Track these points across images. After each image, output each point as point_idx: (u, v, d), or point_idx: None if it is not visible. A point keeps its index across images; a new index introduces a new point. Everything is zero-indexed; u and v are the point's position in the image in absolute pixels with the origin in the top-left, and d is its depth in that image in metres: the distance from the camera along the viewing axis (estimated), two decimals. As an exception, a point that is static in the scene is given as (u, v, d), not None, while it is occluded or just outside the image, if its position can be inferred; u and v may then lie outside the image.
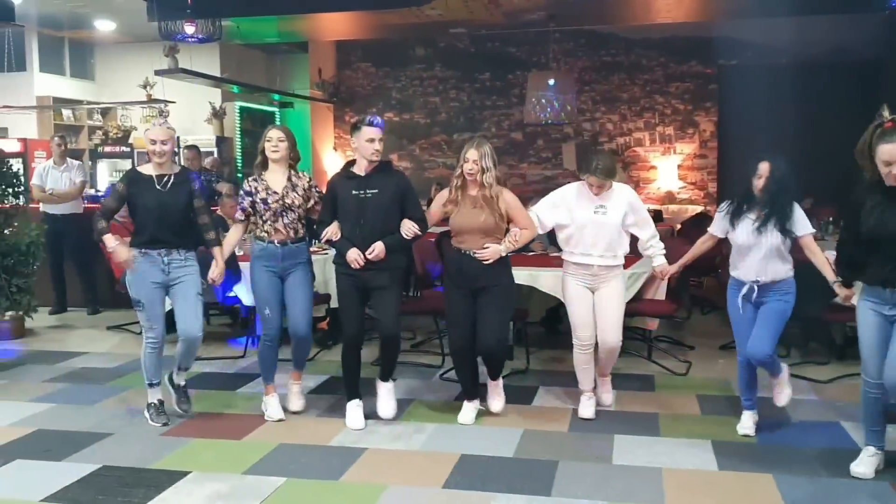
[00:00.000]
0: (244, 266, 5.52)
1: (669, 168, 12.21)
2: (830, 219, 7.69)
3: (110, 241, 4.45)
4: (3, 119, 10.80)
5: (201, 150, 11.16)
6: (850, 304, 3.90)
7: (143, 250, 4.47)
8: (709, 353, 6.20)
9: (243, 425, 4.61)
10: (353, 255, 4.38)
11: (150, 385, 4.67)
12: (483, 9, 9.51)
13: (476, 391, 4.71)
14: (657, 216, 9.46)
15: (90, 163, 11.92)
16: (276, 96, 12.57)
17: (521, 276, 5.43)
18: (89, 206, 8.56)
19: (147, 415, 4.67)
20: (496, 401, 4.74)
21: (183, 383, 4.79)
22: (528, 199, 5.22)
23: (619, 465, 4.01)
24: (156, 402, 4.68)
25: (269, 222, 4.54)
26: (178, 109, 11.56)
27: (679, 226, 9.26)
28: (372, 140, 4.37)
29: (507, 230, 4.50)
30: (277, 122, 13.08)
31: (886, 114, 3.53)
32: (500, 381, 4.75)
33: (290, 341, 4.77)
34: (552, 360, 6.02)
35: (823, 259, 4.11)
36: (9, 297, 7.04)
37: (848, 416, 4.59)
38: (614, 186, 4.58)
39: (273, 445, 4.29)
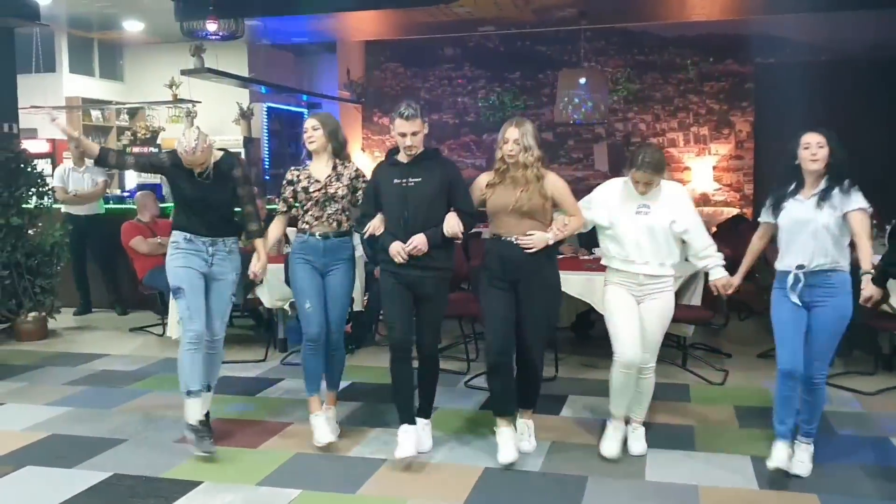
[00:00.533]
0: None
1: (704, 169, 11.91)
2: (874, 221, 7.36)
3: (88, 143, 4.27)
4: (32, 120, 10.77)
5: (232, 151, 11.17)
6: (869, 305, 3.62)
7: (187, 236, 4.17)
8: (747, 361, 5.94)
9: (260, 433, 4.47)
10: (396, 248, 3.95)
11: (189, 394, 4.11)
12: (512, 6, 9.31)
13: (514, 406, 4.19)
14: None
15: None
16: (304, 97, 12.46)
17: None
18: (113, 206, 8.53)
19: (191, 438, 4.09)
20: (525, 442, 4.18)
21: (205, 409, 4.21)
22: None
23: (653, 481, 3.79)
24: (197, 423, 4.10)
25: (310, 212, 4.21)
26: (205, 110, 11.54)
27: (715, 228, 8.95)
28: (404, 135, 3.95)
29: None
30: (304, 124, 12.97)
31: None
32: (531, 420, 4.23)
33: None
34: (582, 367, 5.79)
35: (868, 244, 3.61)
36: (32, 298, 6.99)
37: (897, 431, 4.34)
38: (662, 184, 4.00)
39: (289, 455, 4.13)
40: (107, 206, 8.46)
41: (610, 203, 4.02)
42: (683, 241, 4.03)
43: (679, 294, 5.43)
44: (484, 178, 4.08)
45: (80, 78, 11.52)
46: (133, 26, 10.65)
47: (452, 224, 3.95)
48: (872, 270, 3.59)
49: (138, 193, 7.64)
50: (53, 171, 8.58)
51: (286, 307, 6.15)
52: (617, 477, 3.83)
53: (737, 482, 3.75)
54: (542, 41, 12.18)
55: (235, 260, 4.30)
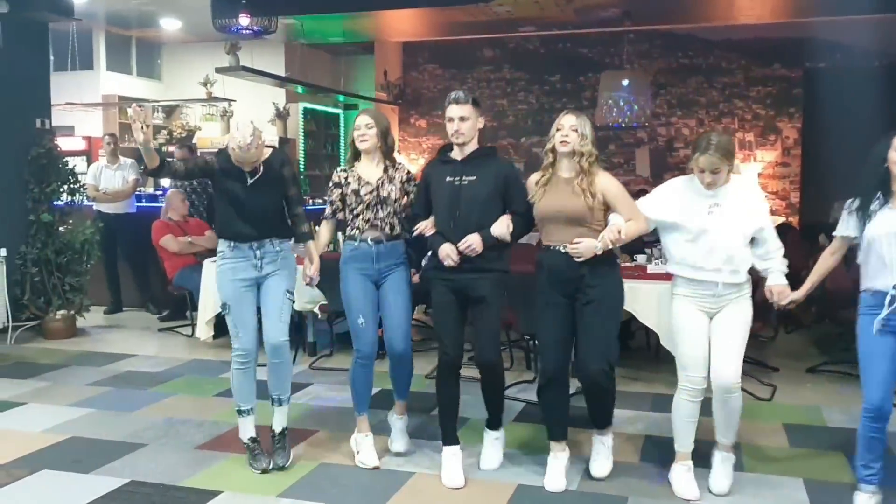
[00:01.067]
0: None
1: (749, 177, 11.53)
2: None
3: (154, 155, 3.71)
4: (69, 117, 10.83)
5: (277, 147, 11.08)
6: None
7: (232, 244, 3.87)
8: (795, 376, 5.63)
9: (284, 441, 4.28)
10: (447, 251, 3.67)
11: (240, 412, 3.92)
12: (554, 5, 9.08)
13: (566, 431, 3.86)
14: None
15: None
16: (341, 97, 12.34)
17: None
18: (144, 206, 8.46)
19: (247, 458, 3.95)
20: (601, 461, 3.85)
21: (280, 427, 3.96)
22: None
23: (699, 504, 3.52)
24: (249, 440, 3.95)
25: (360, 217, 3.91)
26: (240, 109, 11.48)
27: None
28: (451, 119, 3.69)
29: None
30: (341, 125, 12.88)
31: None
32: (610, 436, 3.90)
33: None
34: (621, 378, 5.49)
35: None
36: (61, 296, 6.92)
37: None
38: (732, 180, 3.55)
39: (313, 465, 3.94)
40: (139, 204, 8.39)
41: (676, 203, 3.57)
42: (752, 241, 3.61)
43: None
44: (534, 178, 3.76)
45: (118, 76, 11.54)
46: (171, 24, 10.62)
47: (501, 226, 3.69)
48: None
49: (168, 192, 7.55)
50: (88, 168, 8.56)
51: (315, 310, 5.99)
52: (659, 498, 3.58)
53: (790, 509, 3.48)
54: (583, 43, 11.93)
55: (287, 259, 3.97)
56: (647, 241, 5.81)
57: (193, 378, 5.62)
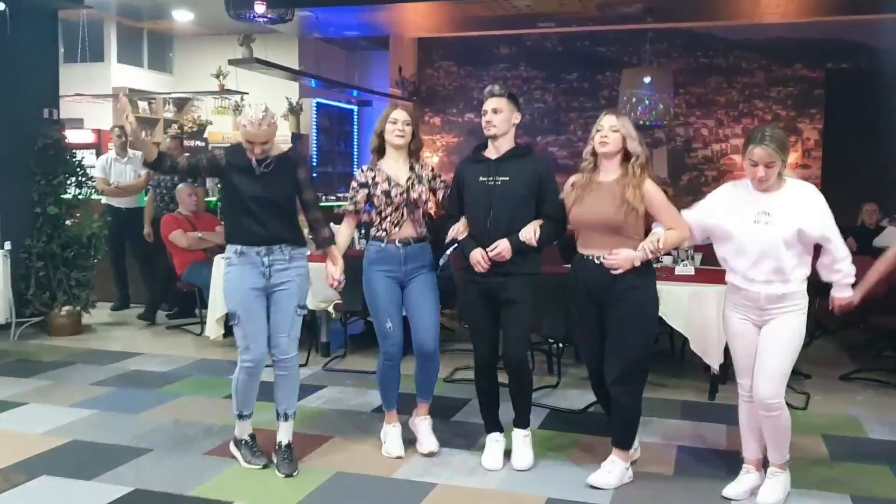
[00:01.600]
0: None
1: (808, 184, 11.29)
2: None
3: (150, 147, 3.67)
4: (79, 109, 10.66)
5: (295, 149, 10.88)
6: None
7: (239, 249, 3.68)
8: (828, 384, 5.38)
9: (297, 446, 4.02)
10: (476, 257, 3.62)
11: (240, 417, 3.83)
12: (577, 0, 8.83)
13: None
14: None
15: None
16: (355, 93, 12.13)
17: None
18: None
19: (239, 455, 3.83)
20: (604, 476, 3.64)
21: (286, 440, 3.82)
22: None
23: (742, 523, 3.30)
24: (247, 438, 3.85)
25: (389, 219, 3.82)
26: (253, 104, 11.29)
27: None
28: (485, 111, 3.63)
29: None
30: (355, 121, 12.68)
31: None
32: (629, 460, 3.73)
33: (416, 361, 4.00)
34: (649, 385, 5.26)
35: None
36: (67, 292, 6.73)
37: None
38: (788, 183, 3.30)
39: (329, 474, 3.72)
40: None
41: (723, 210, 3.39)
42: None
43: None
44: (572, 181, 3.63)
45: (129, 68, 11.37)
46: (183, 16, 10.43)
47: (528, 231, 3.59)
48: None
49: (178, 186, 7.35)
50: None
51: (330, 309, 5.79)
52: (699, 517, 3.36)
53: (841, 530, 3.25)
54: (602, 41, 11.70)
55: (299, 269, 3.78)
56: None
57: (202, 378, 5.41)
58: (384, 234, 3.83)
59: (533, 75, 12.19)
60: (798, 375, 5.53)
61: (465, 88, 12.43)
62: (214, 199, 8.21)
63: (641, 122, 10.35)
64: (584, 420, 4.54)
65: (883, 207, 7.77)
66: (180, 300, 7.32)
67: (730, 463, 3.86)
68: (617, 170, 3.49)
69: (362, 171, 3.93)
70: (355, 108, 12.76)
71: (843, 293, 3.44)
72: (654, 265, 5.41)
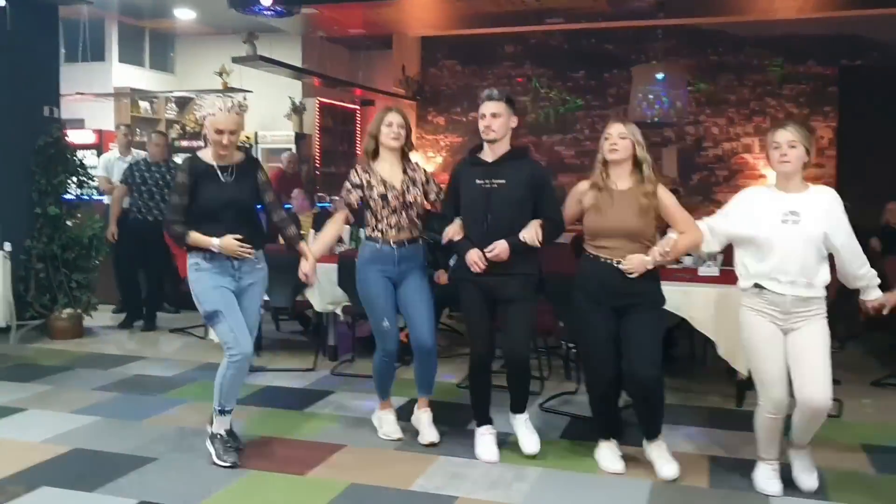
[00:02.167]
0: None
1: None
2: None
3: (202, 238, 3.67)
4: (80, 109, 10.47)
5: (282, 146, 10.70)
6: None
7: (207, 255, 3.70)
8: (860, 390, 5.16)
9: (308, 456, 3.89)
10: (473, 257, 3.67)
11: (223, 412, 3.82)
12: (587, -6, 8.63)
13: (621, 427, 3.88)
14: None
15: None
16: (358, 91, 11.96)
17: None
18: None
19: (212, 449, 3.79)
20: (669, 465, 3.62)
21: (228, 428, 3.86)
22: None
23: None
24: (223, 433, 3.82)
25: (385, 221, 3.90)
26: (256, 104, 11.05)
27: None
28: (483, 115, 3.68)
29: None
30: (358, 120, 12.51)
31: None
32: (663, 441, 3.74)
33: (413, 358, 4.08)
34: (672, 391, 5.08)
35: None
36: (67, 294, 6.55)
37: None
38: (811, 187, 3.38)
39: (342, 486, 3.53)
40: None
41: (750, 211, 3.40)
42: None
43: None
44: (584, 186, 3.67)
45: (130, 68, 11.20)
46: (185, 15, 10.25)
47: (532, 232, 3.64)
48: None
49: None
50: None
51: (338, 311, 5.61)
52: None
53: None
54: (609, 39, 11.51)
55: (262, 270, 3.90)
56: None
57: (207, 383, 5.11)
58: (380, 235, 3.92)
59: (539, 73, 11.99)
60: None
61: (469, 88, 12.24)
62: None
63: (654, 120, 10.20)
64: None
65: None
66: (178, 302, 7.16)
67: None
68: (629, 177, 3.56)
69: (356, 171, 3.97)
70: (358, 107, 12.58)
71: (873, 295, 3.46)
72: (678, 264, 5.33)
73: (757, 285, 3.37)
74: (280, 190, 8.01)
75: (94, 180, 7.06)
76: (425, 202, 4.00)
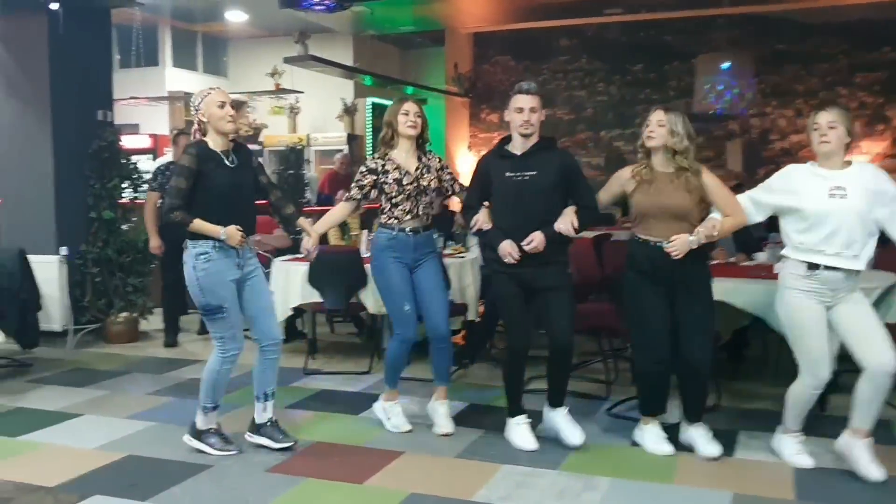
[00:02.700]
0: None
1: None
2: None
3: (209, 226, 3.62)
4: (134, 114, 10.56)
5: (334, 148, 10.62)
6: None
7: (216, 243, 3.65)
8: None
9: (366, 463, 3.72)
10: (507, 248, 3.68)
11: (214, 408, 3.85)
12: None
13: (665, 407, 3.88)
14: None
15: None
16: (410, 89, 11.83)
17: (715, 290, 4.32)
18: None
19: (206, 446, 3.82)
20: (710, 445, 3.70)
21: (275, 417, 3.94)
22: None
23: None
24: (215, 427, 3.88)
25: (400, 207, 3.96)
26: (307, 105, 11.10)
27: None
28: (521, 110, 3.69)
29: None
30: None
31: None
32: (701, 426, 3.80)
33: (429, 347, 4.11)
34: (746, 395, 4.80)
35: None
36: (123, 298, 6.52)
37: None
38: (854, 164, 3.49)
39: (402, 496, 3.35)
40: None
41: (795, 186, 3.49)
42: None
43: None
44: (627, 172, 3.76)
45: (183, 72, 11.26)
46: (236, 17, 10.25)
47: (566, 220, 3.67)
48: None
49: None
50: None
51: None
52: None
53: None
54: (668, 30, 11.16)
55: (255, 255, 3.94)
56: (762, 238, 5.37)
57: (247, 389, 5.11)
58: (395, 221, 3.97)
59: (595, 67, 11.71)
60: None
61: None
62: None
63: (718, 112, 9.84)
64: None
65: None
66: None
67: (852, 485, 3.39)
68: (670, 161, 3.62)
69: (372, 157, 4.07)
70: (411, 107, 12.44)
71: None
72: (750, 261, 5.07)
73: (810, 266, 3.41)
74: (333, 191, 7.92)
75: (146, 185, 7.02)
76: (447, 187, 4.10)
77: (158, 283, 6.64)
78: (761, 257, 5.10)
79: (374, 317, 5.72)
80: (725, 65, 9.49)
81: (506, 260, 3.69)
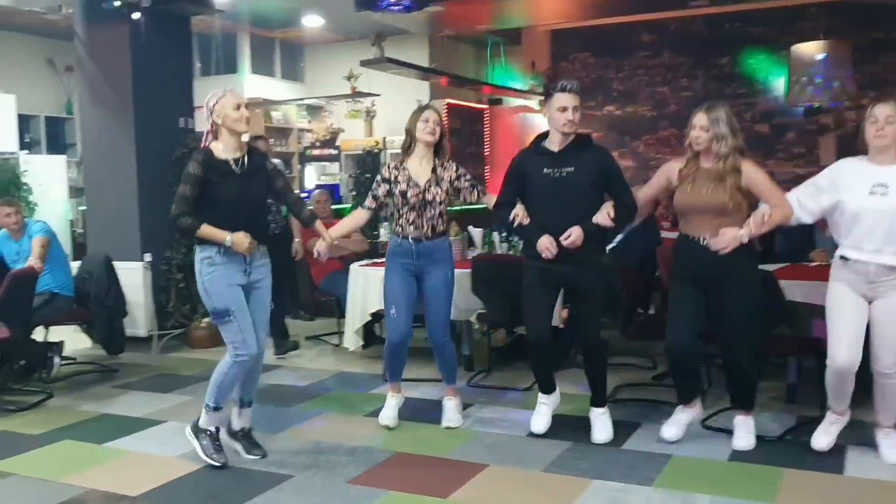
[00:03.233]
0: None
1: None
2: None
3: (215, 232, 3.59)
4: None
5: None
6: None
7: (221, 249, 3.62)
8: None
9: (450, 476, 3.59)
10: (546, 243, 3.73)
11: (217, 408, 3.81)
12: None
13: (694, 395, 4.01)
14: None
15: (299, 166, 11.68)
16: (486, 88, 11.69)
17: (801, 292, 4.21)
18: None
19: (198, 444, 3.81)
20: (747, 437, 3.84)
21: (250, 425, 3.95)
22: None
23: None
24: (213, 430, 3.83)
25: (404, 217, 4.10)
26: (383, 107, 11.06)
27: None
28: (564, 109, 3.71)
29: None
30: (486, 120, 12.25)
31: None
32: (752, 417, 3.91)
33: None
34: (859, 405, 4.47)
35: None
36: (206, 303, 6.56)
37: None
38: None
39: (489, 513, 3.21)
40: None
41: (839, 181, 3.57)
42: None
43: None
44: (674, 166, 3.83)
45: (262, 79, 11.37)
46: (313, 22, 10.29)
47: (603, 214, 3.74)
48: None
49: (315, 192, 7.12)
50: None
51: (472, 319, 5.31)
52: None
53: None
54: (755, 21, 10.68)
55: (268, 264, 3.89)
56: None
57: (342, 393, 5.06)
58: (400, 229, 4.12)
59: (678, 62, 11.30)
60: None
61: (602, 80, 11.70)
62: (349, 205, 7.96)
63: (808, 105, 9.38)
64: (785, 449, 3.82)
65: None
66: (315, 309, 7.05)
67: None
68: (716, 158, 3.64)
69: (388, 167, 4.19)
70: (486, 106, 12.30)
71: None
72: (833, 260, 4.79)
73: (843, 257, 3.52)
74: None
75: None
76: (466, 197, 4.19)
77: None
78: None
79: (454, 323, 5.59)
80: (819, 55, 9.00)
81: (543, 255, 3.73)
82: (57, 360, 5.60)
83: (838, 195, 3.54)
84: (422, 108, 4.20)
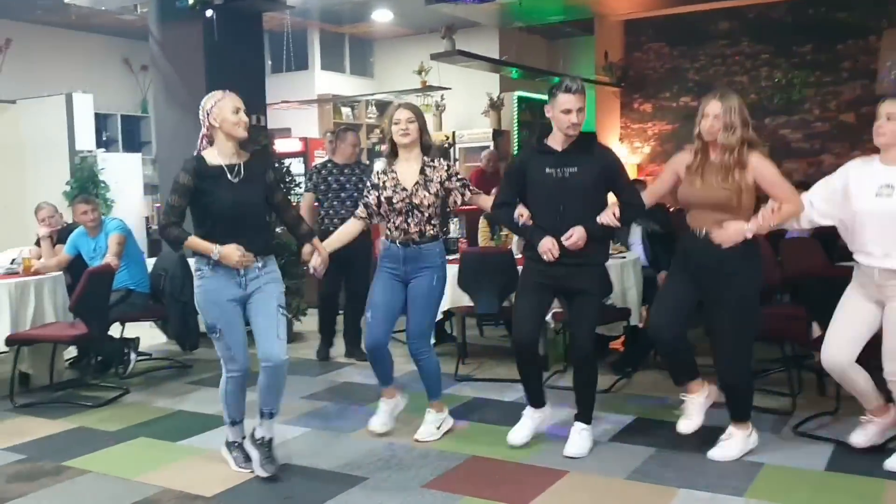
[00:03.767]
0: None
1: None
2: None
3: (202, 243, 3.45)
4: (286, 118, 10.80)
5: (480, 145, 10.44)
6: None
7: (210, 261, 3.45)
8: None
9: (528, 482, 3.46)
10: (548, 245, 3.61)
11: (233, 424, 3.75)
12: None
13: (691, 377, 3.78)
14: None
15: (367, 161, 11.68)
16: (557, 80, 11.47)
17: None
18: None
19: (230, 458, 3.75)
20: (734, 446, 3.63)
21: (269, 436, 3.65)
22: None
23: None
24: (240, 440, 3.76)
25: (392, 222, 3.98)
26: (453, 101, 10.97)
27: None
28: (568, 111, 3.57)
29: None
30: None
31: None
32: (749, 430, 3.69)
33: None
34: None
35: None
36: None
37: None
38: None
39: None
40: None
41: (845, 185, 3.47)
42: None
43: None
44: (682, 159, 3.66)
45: (332, 75, 11.41)
46: (382, 16, 10.26)
47: (608, 213, 3.65)
48: None
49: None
50: (305, 170, 8.27)
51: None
52: None
53: None
54: (840, 6, 10.20)
55: (272, 273, 3.62)
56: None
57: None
58: (388, 233, 4.03)
59: (758, 50, 10.88)
60: None
61: (678, 70, 11.36)
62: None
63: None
64: (880, 458, 3.57)
65: None
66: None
67: None
68: (723, 150, 3.49)
69: (377, 173, 4.07)
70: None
71: None
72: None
73: (857, 257, 3.45)
74: (481, 190, 7.69)
75: (299, 187, 7.06)
76: (456, 199, 4.02)
77: (314, 286, 6.66)
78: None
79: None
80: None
81: (545, 258, 3.62)
82: (133, 356, 5.68)
83: (842, 196, 3.47)
84: (394, 107, 3.99)
